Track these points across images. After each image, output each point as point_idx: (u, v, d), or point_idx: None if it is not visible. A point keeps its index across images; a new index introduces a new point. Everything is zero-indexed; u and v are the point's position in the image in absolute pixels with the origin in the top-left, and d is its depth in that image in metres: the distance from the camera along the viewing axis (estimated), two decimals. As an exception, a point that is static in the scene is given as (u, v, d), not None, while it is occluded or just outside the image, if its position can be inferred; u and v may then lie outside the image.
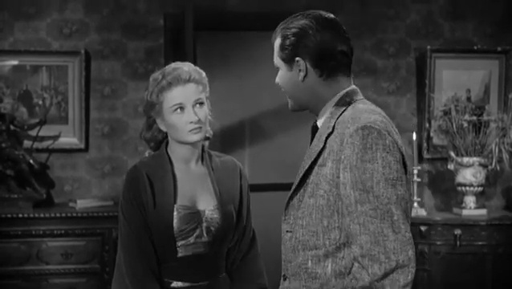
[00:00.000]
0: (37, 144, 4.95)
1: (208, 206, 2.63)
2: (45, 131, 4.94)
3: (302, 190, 2.07)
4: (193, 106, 2.58)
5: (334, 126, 2.04)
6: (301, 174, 2.08)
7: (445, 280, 4.83)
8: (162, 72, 2.65)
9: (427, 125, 5.28)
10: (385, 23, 5.36)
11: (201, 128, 2.59)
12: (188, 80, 2.60)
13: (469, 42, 5.40)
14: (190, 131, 2.57)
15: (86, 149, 5.11)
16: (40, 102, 5.03)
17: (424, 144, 5.32)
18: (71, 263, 4.60)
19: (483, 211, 5.05)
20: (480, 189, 5.05)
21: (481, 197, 5.23)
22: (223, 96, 6.42)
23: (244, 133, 6.57)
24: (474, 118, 5.04)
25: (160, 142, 2.72)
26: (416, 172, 5.11)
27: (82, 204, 4.77)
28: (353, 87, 2.14)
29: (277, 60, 2.15)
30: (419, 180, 5.13)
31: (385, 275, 1.89)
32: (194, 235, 2.58)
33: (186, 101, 2.58)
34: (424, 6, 5.38)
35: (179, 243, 2.56)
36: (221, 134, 6.53)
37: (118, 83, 5.15)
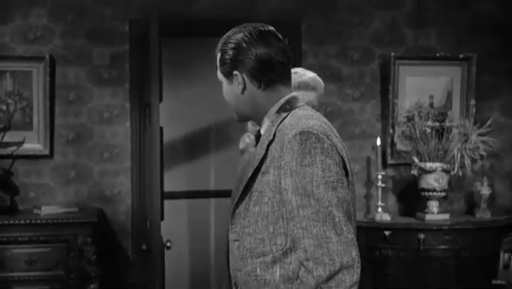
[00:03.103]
0: (1, 151, 4.89)
1: None
2: (9, 137, 4.89)
3: (247, 198, 2.11)
4: None
5: (275, 133, 2.08)
6: (244, 183, 2.11)
7: (409, 284, 4.88)
8: (293, 73, 3.02)
9: (391, 131, 5.34)
10: (350, 30, 5.41)
11: None
12: (312, 89, 3.04)
13: (432, 49, 5.48)
14: None
15: (51, 155, 5.07)
16: (4, 108, 4.98)
17: (388, 150, 5.37)
18: (35, 270, 4.55)
19: (446, 216, 5.12)
20: (443, 194, 5.11)
21: (444, 201, 5.30)
22: (188, 102, 6.43)
23: (209, 139, 6.58)
24: (437, 124, 5.11)
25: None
26: (380, 177, 5.16)
27: (46, 210, 4.72)
28: (293, 94, 2.19)
29: (219, 74, 2.21)
30: (383, 185, 5.18)
31: (330, 277, 1.91)
32: None
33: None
34: (388, 14, 5.45)
35: None
36: (187, 140, 6.53)
37: (83, 88, 5.12)
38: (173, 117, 6.11)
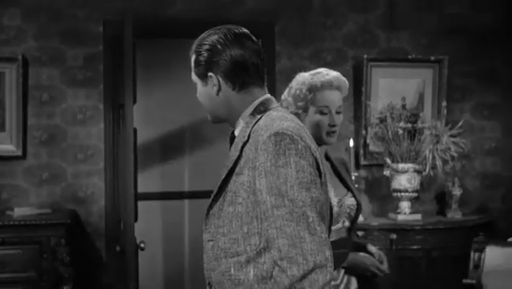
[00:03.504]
0: (-27, 152, 4.86)
1: (343, 195, 2.95)
2: (-19, 138, 4.86)
3: (221, 199, 2.13)
4: (336, 112, 2.93)
5: (249, 134, 2.11)
6: (219, 183, 2.13)
7: (381, 284, 4.91)
8: (315, 73, 2.96)
9: (364, 132, 5.38)
10: (323, 32, 5.45)
11: (335, 132, 2.94)
12: (337, 88, 2.93)
13: (404, 51, 5.54)
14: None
15: (23, 156, 5.04)
16: (-24, 109, 4.95)
17: (361, 151, 5.42)
18: (7, 272, 4.52)
19: (418, 216, 5.17)
20: (414, 194, 5.16)
21: (416, 202, 5.35)
22: (163, 104, 6.43)
23: (184, 141, 6.59)
24: (409, 125, 5.16)
25: None
26: (353, 178, 5.19)
27: (19, 212, 4.70)
28: (267, 96, 2.21)
29: (193, 76, 2.23)
30: (356, 186, 5.21)
31: (304, 276, 1.93)
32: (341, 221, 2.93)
33: (332, 106, 2.91)
34: (361, 16, 5.49)
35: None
36: (161, 141, 6.52)
37: (56, 89, 5.10)
38: (147, 118, 6.10)
